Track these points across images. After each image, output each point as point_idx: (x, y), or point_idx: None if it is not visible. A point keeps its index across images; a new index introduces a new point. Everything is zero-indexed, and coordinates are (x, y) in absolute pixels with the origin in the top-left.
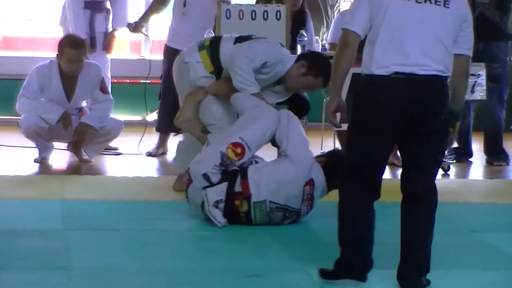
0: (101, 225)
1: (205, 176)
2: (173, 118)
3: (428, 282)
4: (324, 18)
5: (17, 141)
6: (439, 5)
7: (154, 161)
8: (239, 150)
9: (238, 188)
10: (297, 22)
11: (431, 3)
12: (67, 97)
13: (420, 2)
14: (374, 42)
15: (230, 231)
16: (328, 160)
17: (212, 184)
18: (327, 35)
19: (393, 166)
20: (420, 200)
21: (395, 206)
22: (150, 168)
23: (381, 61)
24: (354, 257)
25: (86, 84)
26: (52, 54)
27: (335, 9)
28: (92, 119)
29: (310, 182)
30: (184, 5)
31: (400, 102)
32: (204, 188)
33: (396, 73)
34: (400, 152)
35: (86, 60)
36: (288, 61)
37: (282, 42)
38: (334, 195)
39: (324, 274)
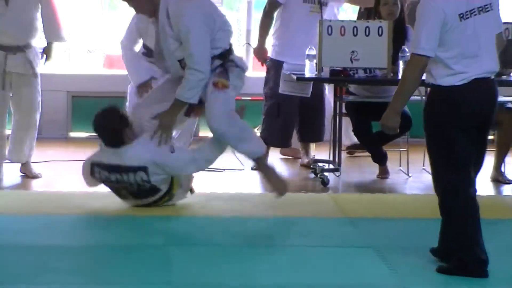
0: (202, 240)
1: None
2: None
3: None
4: None
5: None
6: (488, 10)
7: (257, 176)
8: None
9: None
10: (398, 35)
11: (485, 11)
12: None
13: (480, 13)
14: (453, 57)
15: (326, 248)
16: None
17: None
18: None
19: (498, 182)
20: None
21: (499, 223)
22: (253, 183)
23: (462, 75)
24: (481, 255)
25: None
26: None
27: None
28: None
29: None
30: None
31: (479, 103)
32: None
33: (475, 80)
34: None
35: None
36: None
37: (384, 58)
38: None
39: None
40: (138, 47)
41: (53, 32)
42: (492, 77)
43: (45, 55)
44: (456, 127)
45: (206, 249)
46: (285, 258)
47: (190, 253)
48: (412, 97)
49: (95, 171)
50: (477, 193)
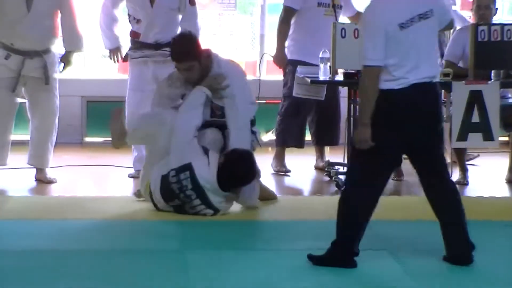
0: (217, 244)
1: None
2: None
3: None
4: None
5: (130, 162)
6: (428, 17)
7: (271, 181)
8: None
9: None
10: None
11: (425, 19)
12: (150, 1)
13: (420, 21)
14: (393, 64)
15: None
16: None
17: None
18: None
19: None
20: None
21: None
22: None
23: (402, 80)
24: (353, 247)
25: None
26: None
27: None
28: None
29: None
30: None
31: (417, 104)
32: None
33: (413, 85)
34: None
35: None
36: None
37: None
38: None
39: (315, 260)
40: (118, 12)
41: (72, 41)
42: (434, 80)
43: (62, 63)
44: (394, 128)
45: (221, 253)
46: (300, 261)
47: (206, 258)
48: None
49: (181, 177)
50: (455, 189)
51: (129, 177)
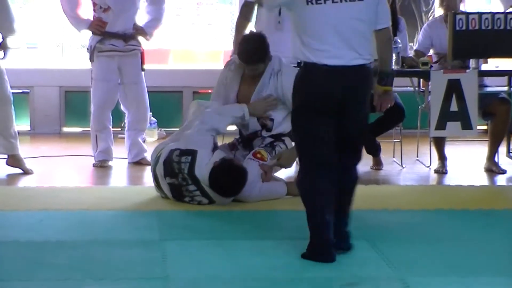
0: (198, 235)
1: None
2: None
3: None
4: (418, 25)
5: (115, 153)
6: (354, 0)
7: None
8: None
9: None
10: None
11: (346, 1)
12: None
13: (336, 2)
14: (308, 40)
15: None
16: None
17: None
18: None
19: (491, 172)
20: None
21: (494, 213)
22: None
23: (316, 56)
24: (323, 239)
25: None
26: None
27: (429, 15)
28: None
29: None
30: (280, 13)
31: (334, 87)
32: None
33: (326, 65)
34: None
35: None
36: None
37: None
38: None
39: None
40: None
41: (6, 27)
42: (351, 64)
43: (2, 51)
44: (309, 108)
45: (201, 243)
46: (279, 251)
47: (185, 248)
48: (405, 89)
49: (182, 159)
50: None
51: (94, 166)
